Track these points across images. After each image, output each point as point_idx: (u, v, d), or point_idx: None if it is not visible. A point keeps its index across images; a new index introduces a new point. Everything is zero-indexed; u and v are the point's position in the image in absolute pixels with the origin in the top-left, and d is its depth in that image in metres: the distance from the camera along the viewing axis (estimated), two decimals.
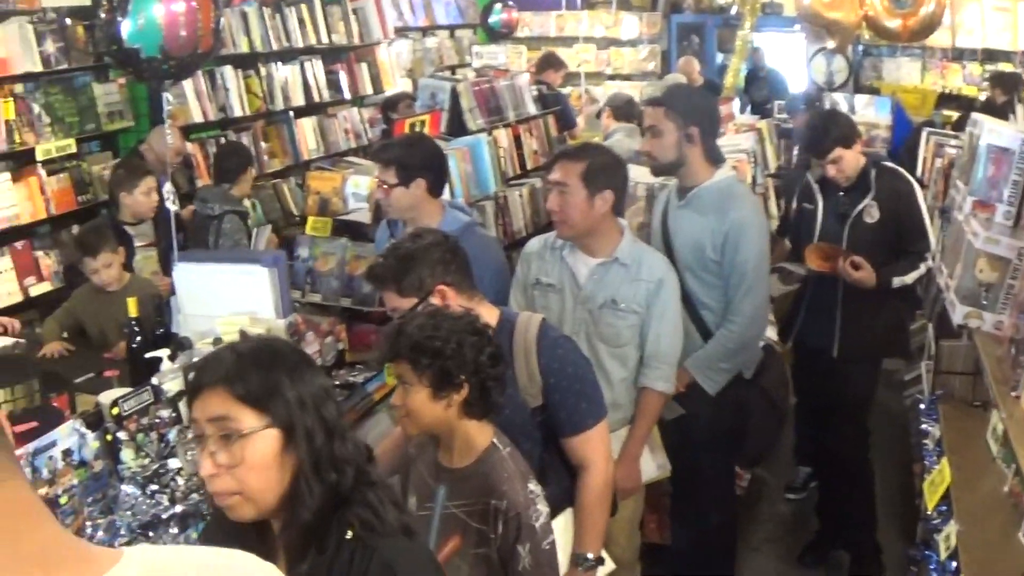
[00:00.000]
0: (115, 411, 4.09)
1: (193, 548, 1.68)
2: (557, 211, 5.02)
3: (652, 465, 5.37)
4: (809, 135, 6.79)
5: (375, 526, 2.54)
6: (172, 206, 6.19)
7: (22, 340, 6.62)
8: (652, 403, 5.17)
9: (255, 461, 2.51)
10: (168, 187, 6.24)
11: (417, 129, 6.93)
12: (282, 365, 2.59)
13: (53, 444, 3.75)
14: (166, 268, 7.15)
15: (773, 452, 7.07)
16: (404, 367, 3.55)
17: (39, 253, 9.00)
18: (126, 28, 5.42)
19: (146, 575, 1.53)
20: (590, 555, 4.20)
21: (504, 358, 3.73)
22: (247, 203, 8.77)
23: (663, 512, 6.30)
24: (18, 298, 8.70)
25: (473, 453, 3.61)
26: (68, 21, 9.33)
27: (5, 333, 6.87)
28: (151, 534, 3.71)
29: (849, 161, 6.42)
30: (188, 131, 10.33)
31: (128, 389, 4.40)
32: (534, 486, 3.60)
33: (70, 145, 9.29)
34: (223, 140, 10.79)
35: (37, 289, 8.78)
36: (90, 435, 3.92)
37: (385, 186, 5.55)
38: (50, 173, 9.14)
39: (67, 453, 3.80)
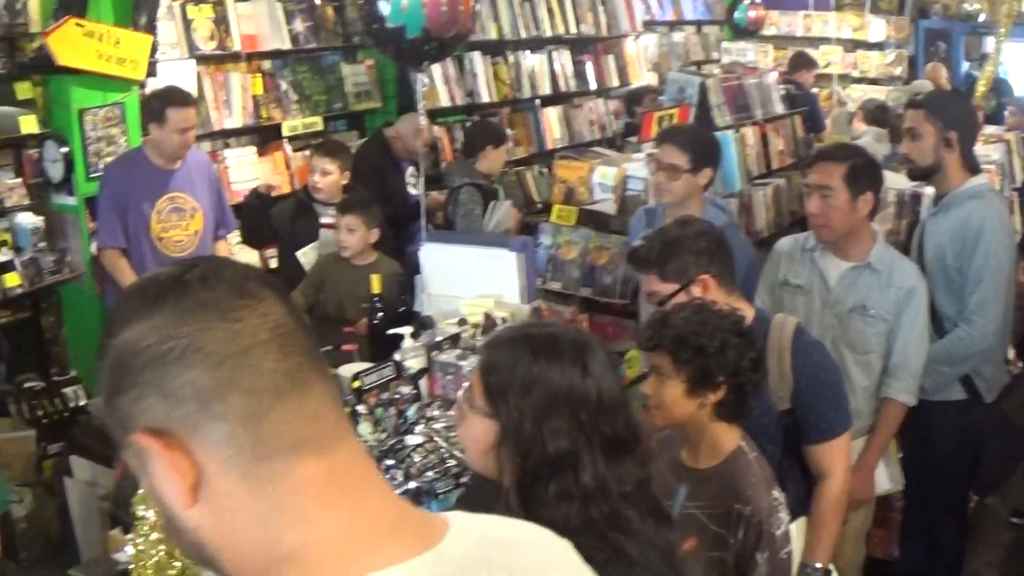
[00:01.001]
0: (356, 384, 4.16)
1: (498, 519, 1.61)
2: (818, 214, 4.93)
3: (885, 477, 5.23)
4: None
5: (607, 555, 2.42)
6: (414, 190, 6.28)
7: None
8: (893, 414, 5.02)
9: (472, 435, 2.65)
10: (411, 171, 6.33)
11: (666, 123, 6.87)
12: (536, 368, 2.53)
13: None
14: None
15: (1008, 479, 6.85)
16: (663, 358, 3.49)
17: None
18: (386, 8, 5.50)
19: (475, 549, 1.44)
20: (818, 565, 4.09)
21: (764, 364, 3.66)
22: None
23: (890, 527, 6.13)
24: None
25: (719, 454, 3.53)
26: (317, 1, 9.56)
27: None
28: None
29: None
30: (435, 115, 10.51)
31: (367, 364, 4.47)
32: (778, 493, 3.50)
33: (317, 123, 9.53)
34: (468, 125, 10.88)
35: (276, 261, 8.93)
36: None
37: (672, 169, 5.54)
38: (296, 149, 9.41)
39: None
